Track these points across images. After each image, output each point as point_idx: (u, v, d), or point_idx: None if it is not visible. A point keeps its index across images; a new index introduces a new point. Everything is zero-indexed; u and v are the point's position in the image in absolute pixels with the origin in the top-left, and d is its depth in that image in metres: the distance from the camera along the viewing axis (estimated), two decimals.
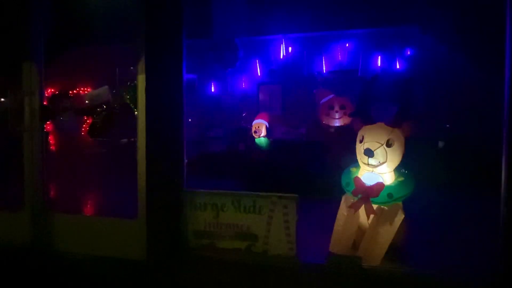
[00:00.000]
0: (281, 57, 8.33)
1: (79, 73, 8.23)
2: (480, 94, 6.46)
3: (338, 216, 3.42)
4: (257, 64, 8.50)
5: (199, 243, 3.41)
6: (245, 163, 6.65)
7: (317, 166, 5.80)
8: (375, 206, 3.11)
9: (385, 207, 3.12)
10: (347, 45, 7.96)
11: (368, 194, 3.09)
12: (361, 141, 3.22)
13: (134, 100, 3.51)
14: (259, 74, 8.52)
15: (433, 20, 6.99)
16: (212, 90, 8.88)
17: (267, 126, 7.01)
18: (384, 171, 3.17)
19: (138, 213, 3.42)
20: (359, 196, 3.13)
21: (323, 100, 6.55)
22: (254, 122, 7.12)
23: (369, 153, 3.08)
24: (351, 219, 3.30)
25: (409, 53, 7.52)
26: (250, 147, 7.13)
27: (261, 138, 6.95)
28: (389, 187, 3.11)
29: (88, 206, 5.72)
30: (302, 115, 7.50)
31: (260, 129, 6.98)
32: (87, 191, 6.54)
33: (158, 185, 3.33)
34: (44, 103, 3.78)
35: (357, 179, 3.17)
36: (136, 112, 3.47)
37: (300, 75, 8.22)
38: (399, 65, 7.56)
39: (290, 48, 8.28)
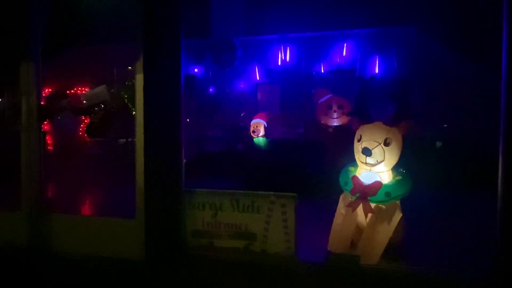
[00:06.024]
0: (280, 57, 8.31)
1: (76, 72, 8.22)
2: (477, 94, 6.48)
3: (336, 215, 3.43)
4: (256, 64, 8.49)
5: (198, 243, 3.40)
6: (243, 162, 6.65)
7: (315, 166, 5.80)
8: (373, 205, 3.12)
9: (383, 206, 3.13)
10: (345, 45, 7.96)
11: (366, 193, 3.09)
12: (359, 140, 3.23)
13: (132, 99, 3.51)
14: (257, 75, 8.50)
15: (430, 20, 7.00)
16: (210, 90, 8.85)
17: (266, 125, 7.01)
18: (382, 170, 3.18)
19: (136, 212, 3.41)
20: (357, 195, 3.14)
21: (321, 100, 6.55)
22: (252, 122, 7.11)
23: (367, 152, 3.09)
24: (349, 218, 3.31)
25: (407, 53, 7.53)
26: (248, 146, 7.13)
27: (259, 137, 6.94)
28: (387, 185, 3.12)
29: (86, 206, 5.70)
30: (300, 115, 7.50)
31: (258, 128, 6.97)
32: (84, 191, 6.52)
33: (156, 185, 3.32)
34: (42, 102, 3.77)
35: (355, 178, 3.17)
36: (133, 112, 3.46)
37: (298, 75, 8.22)
38: (396, 65, 7.57)
39: (288, 48, 8.27)
